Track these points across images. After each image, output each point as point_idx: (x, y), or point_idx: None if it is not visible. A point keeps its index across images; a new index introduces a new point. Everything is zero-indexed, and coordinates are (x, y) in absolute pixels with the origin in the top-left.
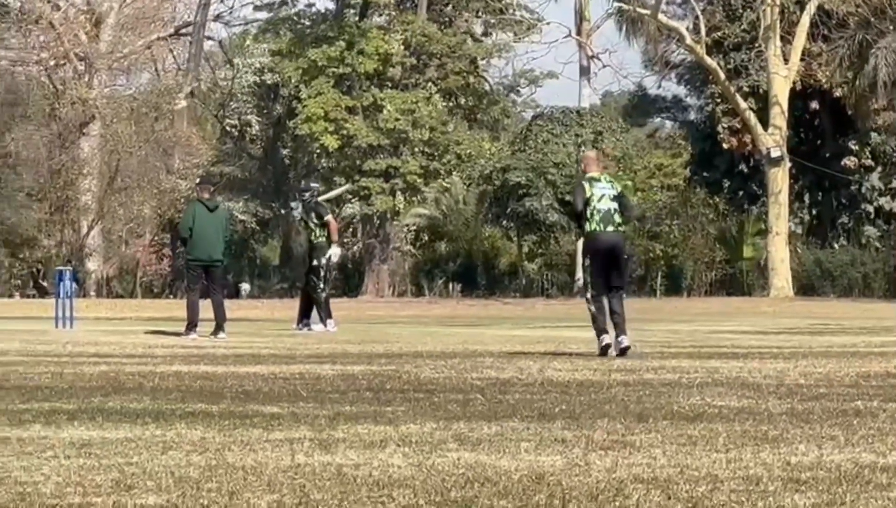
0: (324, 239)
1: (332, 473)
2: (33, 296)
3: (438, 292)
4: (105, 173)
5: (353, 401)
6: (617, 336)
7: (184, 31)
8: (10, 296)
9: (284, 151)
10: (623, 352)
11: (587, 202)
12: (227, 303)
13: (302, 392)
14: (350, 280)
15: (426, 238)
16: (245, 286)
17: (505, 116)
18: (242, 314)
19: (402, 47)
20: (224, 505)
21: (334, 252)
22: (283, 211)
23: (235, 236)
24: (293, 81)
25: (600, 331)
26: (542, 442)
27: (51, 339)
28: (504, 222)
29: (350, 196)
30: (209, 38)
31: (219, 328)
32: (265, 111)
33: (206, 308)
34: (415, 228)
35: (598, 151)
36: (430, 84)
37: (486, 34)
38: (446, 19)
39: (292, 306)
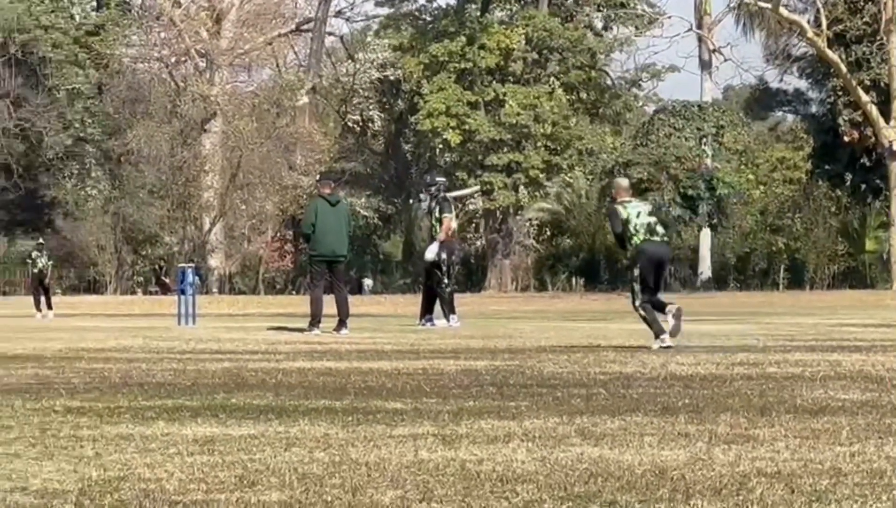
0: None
1: (456, 468)
2: (156, 293)
3: (561, 287)
4: (227, 170)
5: (476, 396)
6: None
7: (305, 27)
8: (133, 293)
9: (406, 147)
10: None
11: (627, 222)
12: (350, 299)
13: (425, 388)
14: (473, 275)
15: (549, 233)
16: (368, 282)
17: (627, 111)
18: (365, 310)
19: (523, 42)
20: (347, 502)
21: (430, 249)
22: (409, 203)
23: (358, 231)
24: (415, 76)
25: (659, 332)
26: (665, 436)
27: (173, 336)
28: None
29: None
30: (330, 33)
31: (342, 323)
32: (387, 107)
33: (329, 304)
34: (537, 222)
35: (627, 182)
36: (551, 79)
37: (606, 28)
38: (567, 14)
39: (415, 301)
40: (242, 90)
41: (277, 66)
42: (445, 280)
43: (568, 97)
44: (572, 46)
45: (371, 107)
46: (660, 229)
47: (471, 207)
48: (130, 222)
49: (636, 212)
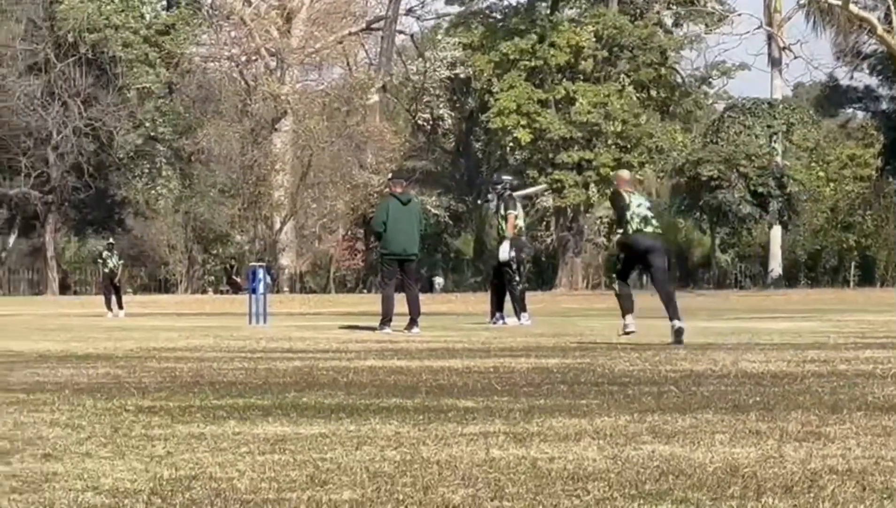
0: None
1: (527, 466)
2: (227, 292)
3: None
4: (297, 169)
5: (547, 394)
6: (671, 319)
7: (375, 25)
8: (204, 292)
9: (477, 145)
10: (678, 334)
11: (626, 207)
12: (422, 297)
13: (496, 386)
14: (544, 273)
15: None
16: (439, 280)
17: (697, 108)
18: (436, 308)
19: (593, 40)
20: (419, 500)
21: (503, 249)
22: (478, 203)
23: (429, 230)
24: (485, 74)
25: (624, 314)
26: (737, 434)
27: (245, 335)
28: (696, 214)
29: (550, 190)
30: (401, 32)
31: (413, 322)
32: (457, 105)
33: (400, 302)
34: (608, 220)
35: (631, 173)
36: (621, 76)
37: (676, 25)
38: (637, 11)
39: (486, 299)
40: (313, 89)
41: (348, 64)
42: (516, 278)
43: (638, 95)
44: (642, 44)
45: (441, 105)
46: (654, 221)
47: (542, 205)
48: (201, 221)
49: (637, 203)
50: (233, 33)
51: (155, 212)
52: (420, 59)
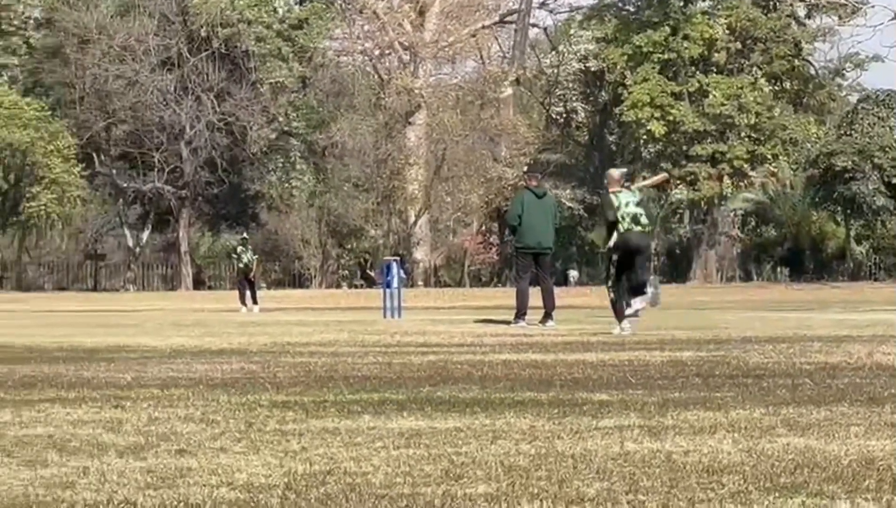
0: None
1: (662, 460)
2: (361, 286)
3: (766, 277)
4: (431, 162)
5: (681, 387)
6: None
7: (508, 18)
8: (338, 286)
9: (610, 138)
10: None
11: (616, 209)
12: (556, 290)
13: (631, 379)
14: (678, 266)
15: (753, 223)
16: (573, 273)
17: (831, 100)
18: (571, 302)
19: (726, 32)
20: (553, 494)
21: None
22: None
23: (563, 223)
24: (618, 67)
25: (620, 320)
26: (872, 427)
27: (379, 329)
28: (831, 206)
29: (677, 182)
30: (534, 25)
31: (547, 315)
32: (590, 98)
33: (535, 296)
34: (742, 213)
35: (620, 172)
36: (754, 68)
37: (809, 17)
38: (770, 3)
39: None
40: (446, 82)
41: (481, 57)
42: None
43: (771, 87)
44: (775, 36)
45: (575, 98)
46: (643, 219)
47: (675, 197)
48: (335, 215)
49: (625, 201)
50: (366, 27)
51: (289, 207)
52: (553, 53)
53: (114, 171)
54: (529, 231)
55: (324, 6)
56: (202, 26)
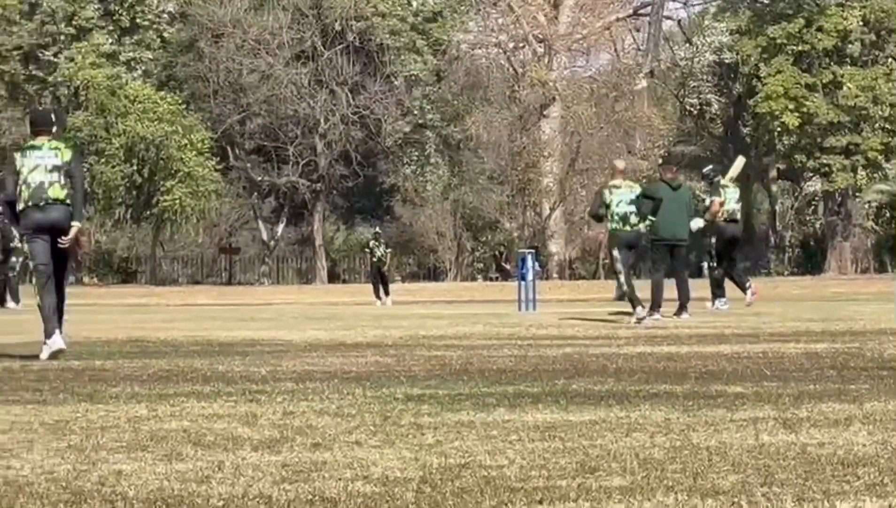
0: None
1: (797, 452)
2: (496, 279)
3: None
4: (566, 155)
5: (816, 379)
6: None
7: (642, 11)
8: (473, 279)
9: (744, 130)
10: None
11: (608, 206)
12: (691, 282)
13: (766, 371)
14: (812, 258)
15: (888, 214)
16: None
17: None
18: (706, 294)
19: (860, 23)
20: (688, 486)
21: (695, 222)
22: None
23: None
24: (752, 59)
25: (636, 303)
26: None
27: (514, 322)
28: None
29: (810, 174)
30: (668, 17)
31: (682, 307)
32: (724, 90)
33: (670, 288)
34: (876, 204)
35: (624, 163)
36: (889, 60)
37: None
38: None
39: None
40: (581, 75)
41: (615, 50)
42: (714, 263)
43: None
44: None
45: (709, 90)
46: (633, 218)
47: (809, 189)
48: (470, 208)
49: (618, 201)
50: (500, 20)
51: (423, 200)
52: (687, 45)
53: (248, 164)
54: (665, 223)
55: None
56: (336, 20)
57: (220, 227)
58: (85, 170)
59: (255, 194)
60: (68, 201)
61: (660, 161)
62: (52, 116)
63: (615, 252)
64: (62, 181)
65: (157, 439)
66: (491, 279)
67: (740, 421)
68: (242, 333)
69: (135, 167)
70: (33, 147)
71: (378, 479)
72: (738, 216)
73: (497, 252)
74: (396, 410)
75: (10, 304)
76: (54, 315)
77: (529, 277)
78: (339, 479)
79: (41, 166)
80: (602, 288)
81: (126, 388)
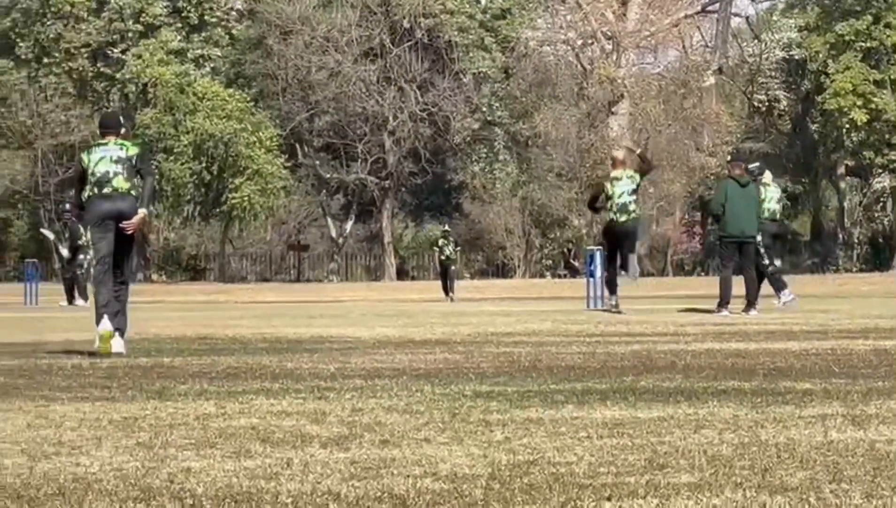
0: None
1: (865, 449)
2: (564, 276)
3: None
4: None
5: (885, 376)
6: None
7: (710, 7)
8: (542, 276)
9: (813, 126)
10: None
11: (610, 197)
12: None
13: (834, 368)
14: (880, 254)
15: None
16: (777, 262)
17: None
18: (772, 291)
19: None
20: (756, 483)
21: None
22: (817, 183)
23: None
24: (821, 55)
25: (613, 290)
26: None
27: (583, 319)
28: None
29: (879, 170)
30: (736, 14)
31: (750, 304)
32: (793, 86)
33: (738, 285)
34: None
35: (623, 153)
36: None
37: None
38: None
39: (822, 281)
40: (649, 72)
41: (683, 47)
42: (766, 261)
43: None
44: None
45: (777, 87)
46: (632, 207)
47: (877, 185)
48: (538, 204)
49: (619, 192)
50: (568, 17)
51: (492, 197)
52: (755, 41)
53: (316, 162)
54: (733, 220)
55: None
56: (405, 17)
57: (289, 224)
58: (154, 167)
59: (324, 191)
60: (133, 193)
61: (728, 158)
62: (120, 117)
63: (606, 243)
64: (126, 173)
65: (226, 436)
66: (559, 276)
67: (808, 418)
68: (311, 330)
69: (203, 165)
70: (100, 144)
71: (446, 476)
72: (779, 216)
73: (565, 249)
74: (465, 407)
75: (79, 302)
76: (109, 307)
77: (598, 274)
78: (408, 476)
79: (106, 158)
80: (671, 285)
81: (195, 385)
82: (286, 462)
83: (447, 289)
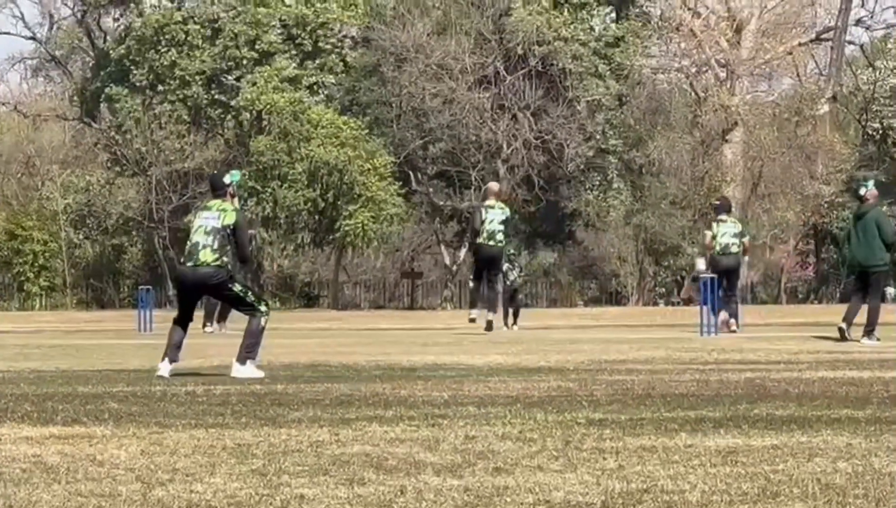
0: None
1: None
2: (678, 304)
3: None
4: (748, 180)
5: None
6: (490, 312)
7: (824, 36)
8: (655, 304)
9: None
10: (488, 327)
11: (483, 222)
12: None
13: None
14: None
15: None
16: (891, 290)
17: None
18: (889, 318)
19: None
20: None
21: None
22: None
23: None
24: None
25: (473, 305)
26: None
27: (696, 347)
28: None
29: None
30: (850, 42)
31: (868, 332)
32: None
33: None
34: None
35: (498, 185)
36: None
37: None
38: None
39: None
40: (763, 100)
41: (797, 75)
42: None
43: None
44: None
45: (891, 115)
46: (498, 236)
47: None
48: (652, 232)
49: (490, 218)
50: (682, 45)
51: (605, 224)
52: (870, 69)
53: (430, 189)
54: (854, 251)
55: (640, 24)
56: (518, 44)
57: (403, 251)
58: (268, 194)
59: (437, 218)
60: (218, 263)
61: (842, 189)
62: (224, 178)
63: (477, 264)
64: (215, 245)
65: (340, 463)
66: (673, 304)
67: None
68: (424, 357)
69: (317, 192)
70: (206, 207)
71: (560, 504)
72: (734, 250)
73: (679, 277)
74: (578, 434)
75: (209, 328)
76: (176, 348)
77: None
78: (521, 504)
79: (202, 228)
80: (783, 313)
81: (308, 412)
82: (399, 489)
83: (507, 317)
